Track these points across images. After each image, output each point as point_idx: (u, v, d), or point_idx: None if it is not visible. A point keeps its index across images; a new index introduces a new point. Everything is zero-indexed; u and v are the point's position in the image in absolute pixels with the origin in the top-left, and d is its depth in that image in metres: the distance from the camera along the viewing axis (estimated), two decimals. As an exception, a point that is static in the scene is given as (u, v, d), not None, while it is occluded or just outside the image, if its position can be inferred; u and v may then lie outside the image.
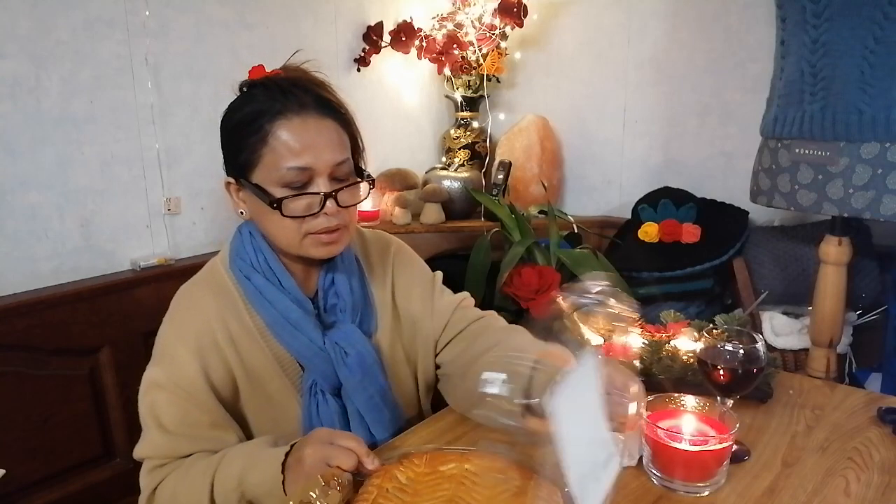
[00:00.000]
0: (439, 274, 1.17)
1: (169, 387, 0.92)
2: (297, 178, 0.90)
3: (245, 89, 0.95)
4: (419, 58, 2.42)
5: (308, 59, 0.97)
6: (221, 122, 0.96)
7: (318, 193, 0.90)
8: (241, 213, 0.97)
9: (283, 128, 0.89)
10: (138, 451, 0.94)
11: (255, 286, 0.96)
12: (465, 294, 1.16)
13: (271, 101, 0.91)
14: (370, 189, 0.99)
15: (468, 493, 0.79)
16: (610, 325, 0.87)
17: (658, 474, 0.86)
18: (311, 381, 0.98)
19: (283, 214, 0.90)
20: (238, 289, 0.97)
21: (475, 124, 2.59)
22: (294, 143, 0.89)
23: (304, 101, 0.91)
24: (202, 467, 0.89)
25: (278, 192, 0.90)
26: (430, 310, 1.10)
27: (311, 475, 0.78)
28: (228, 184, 0.97)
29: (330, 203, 0.91)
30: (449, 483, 0.81)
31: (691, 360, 1.10)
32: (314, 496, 0.75)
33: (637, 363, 1.13)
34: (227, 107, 0.96)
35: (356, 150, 0.99)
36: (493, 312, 1.16)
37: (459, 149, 2.55)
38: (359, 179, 0.97)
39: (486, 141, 2.58)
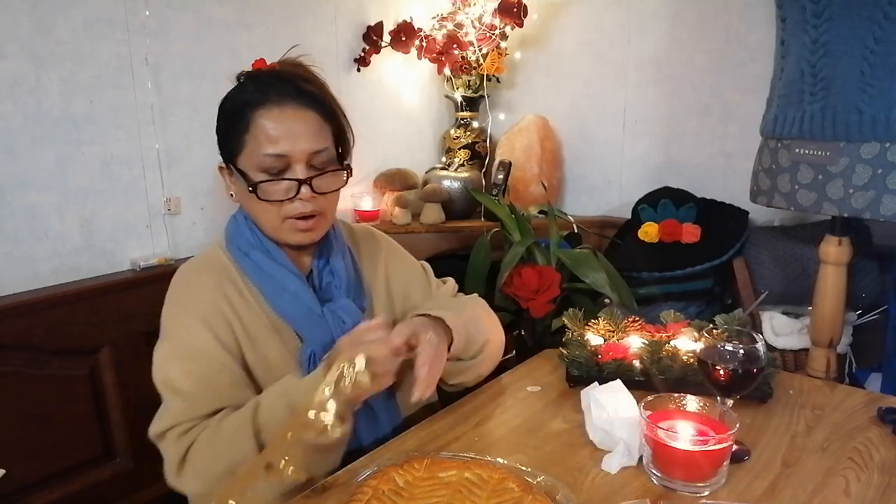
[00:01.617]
0: (427, 265, 1.23)
1: (182, 355, 0.94)
2: (273, 164, 0.95)
3: (241, 80, 1.02)
4: (419, 58, 2.42)
5: (304, 53, 1.02)
6: (218, 109, 1.02)
7: (292, 179, 0.95)
8: (231, 195, 1.03)
9: (262, 117, 0.95)
10: (157, 426, 0.93)
11: (253, 261, 1.01)
12: (450, 280, 1.25)
13: (255, 91, 0.97)
14: (347, 178, 1.03)
15: (464, 501, 0.79)
16: None
17: (658, 474, 0.86)
18: (310, 352, 1.00)
19: (259, 198, 0.96)
20: (236, 266, 1.02)
21: (475, 124, 2.59)
22: (272, 131, 0.94)
23: (285, 92, 0.96)
24: (242, 412, 0.88)
25: (257, 177, 0.96)
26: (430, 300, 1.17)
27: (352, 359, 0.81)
28: (221, 168, 1.03)
29: (304, 189, 0.96)
30: (446, 490, 0.81)
31: (691, 360, 1.10)
32: (344, 367, 0.80)
33: (637, 363, 1.14)
34: (224, 95, 1.02)
35: (342, 142, 1.03)
36: (475, 296, 1.23)
37: (459, 149, 2.55)
38: (337, 168, 1.01)
39: (486, 141, 2.58)
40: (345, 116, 1.04)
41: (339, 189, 1.02)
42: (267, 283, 1.00)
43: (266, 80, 0.98)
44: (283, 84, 0.97)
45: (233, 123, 0.97)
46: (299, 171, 0.96)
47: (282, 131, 0.94)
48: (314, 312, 1.01)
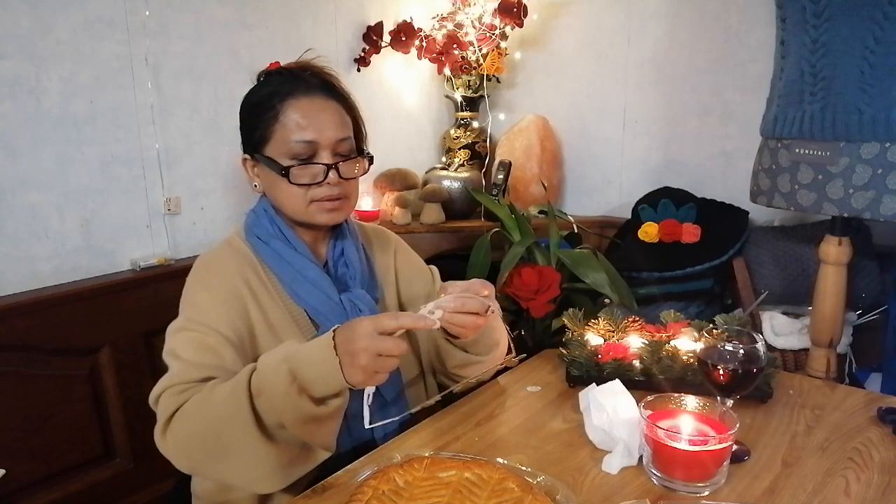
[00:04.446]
0: (435, 269, 1.26)
1: (191, 326, 0.96)
2: (303, 150, 1.00)
3: (262, 77, 1.08)
4: (419, 58, 2.42)
5: (318, 55, 1.08)
6: (241, 104, 1.07)
7: (321, 164, 1.01)
8: (255, 185, 1.08)
9: (292, 107, 1.01)
10: (155, 390, 0.92)
11: (273, 249, 1.05)
12: None
13: (283, 84, 1.03)
14: (369, 165, 1.09)
15: (464, 501, 0.79)
16: None
17: (658, 474, 0.86)
18: None
19: (290, 182, 1.00)
20: (256, 255, 1.06)
21: (475, 124, 2.59)
22: (301, 119, 1.00)
23: (312, 84, 1.03)
24: (237, 376, 0.87)
25: (287, 163, 1.01)
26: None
27: (367, 369, 0.81)
28: (245, 160, 1.08)
29: (332, 174, 1.02)
30: (446, 490, 0.81)
31: (691, 360, 1.10)
32: None
33: (637, 363, 1.14)
34: (246, 92, 1.07)
35: (358, 132, 1.10)
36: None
37: (459, 149, 2.55)
38: (359, 156, 1.07)
39: (486, 141, 2.58)
40: (358, 110, 1.10)
41: (362, 175, 1.08)
42: (286, 271, 1.04)
43: (292, 73, 1.05)
44: (309, 77, 1.04)
45: (261, 114, 1.02)
46: (326, 157, 1.02)
47: (310, 120, 1.00)
48: (332, 300, 1.04)
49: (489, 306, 0.95)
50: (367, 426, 0.88)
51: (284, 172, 1.00)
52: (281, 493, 0.90)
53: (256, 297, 1.02)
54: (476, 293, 0.95)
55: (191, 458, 0.89)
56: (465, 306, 0.93)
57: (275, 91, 1.02)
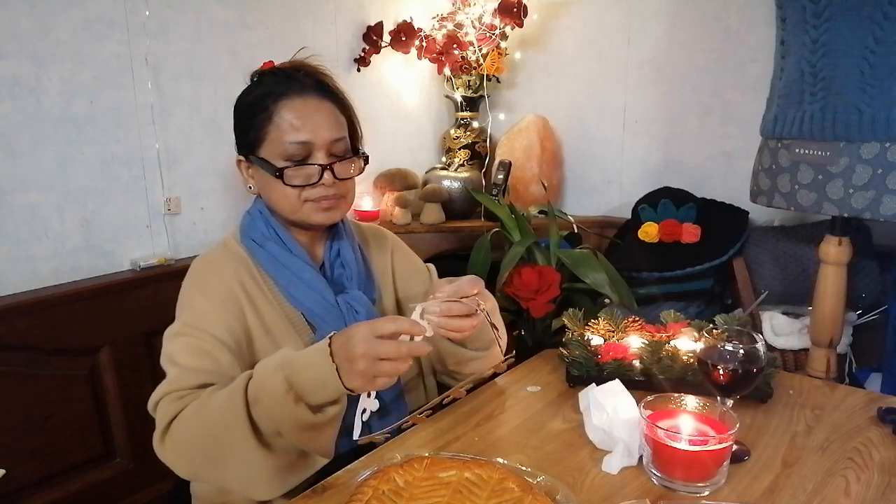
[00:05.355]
0: (432, 267, 1.25)
1: (188, 331, 0.95)
2: (297, 151, 1.00)
3: (256, 78, 1.07)
4: (419, 58, 2.42)
5: (313, 54, 1.07)
6: (234, 105, 1.06)
7: (316, 165, 1.00)
8: (250, 187, 1.08)
9: (286, 107, 1.00)
10: (155, 394, 0.92)
11: (269, 252, 1.04)
12: None
13: (276, 84, 1.02)
14: (364, 165, 1.08)
15: (464, 501, 0.79)
16: None
17: (658, 474, 0.86)
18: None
19: (284, 183, 0.99)
20: (252, 257, 1.05)
21: (475, 124, 2.59)
22: (295, 120, 0.99)
23: (306, 84, 1.02)
24: (234, 383, 0.87)
25: (281, 165, 1.00)
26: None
27: (366, 374, 0.80)
28: (239, 161, 1.07)
29: (327, 174, 1.01)
30: (446, 490, 0.81)
31: (691, 360, 1.10)
32: None
33: (637, 363, 1.14)
34: (240, 93, 1.06)
35: (353, 132, 1.09)
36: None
37: (459, 149, 2.55)
38: (354, 156, 1.06)
39: (486, 141, 2.58)
40: (353, 110, 1.10)
41: (357, 175, 1.07)
42: (282, 274, 1.04)
43: (286, 73, 1.04)
44: (303, 77, 1.03)
45: (255, 115, 1.02)
46: (320, 158, 1.01)
47: (304, 120, 1.00)
48: (328, 302, 1.03)
49: (477, 307, 0.94)
50: (355, 438, 0.87)
51: (279, 174, 0.99)
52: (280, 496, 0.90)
53: (252, 301, 1.01)
54: (465, 293, 0.95)
55: (190, 464, 0.89)
56: (451, 311, 0.93)
57: (268, 91, 1.01)
